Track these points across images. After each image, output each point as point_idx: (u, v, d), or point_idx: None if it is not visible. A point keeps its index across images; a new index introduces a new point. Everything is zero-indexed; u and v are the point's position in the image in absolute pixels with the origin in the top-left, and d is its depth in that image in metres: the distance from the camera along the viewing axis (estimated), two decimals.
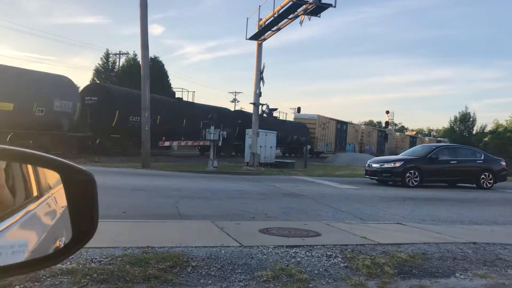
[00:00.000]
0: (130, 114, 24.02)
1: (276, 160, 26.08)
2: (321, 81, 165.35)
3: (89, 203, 1.05)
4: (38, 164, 1.13)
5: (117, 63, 45.36)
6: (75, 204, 1.05)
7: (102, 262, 4.07)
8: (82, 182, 1.05)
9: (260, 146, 23.44)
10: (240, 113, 35.46)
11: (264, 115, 23.00)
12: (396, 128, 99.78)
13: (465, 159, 16.83)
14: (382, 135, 52.95)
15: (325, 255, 4.82)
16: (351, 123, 52.84)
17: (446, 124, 69.83)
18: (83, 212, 1.05)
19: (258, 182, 14.42)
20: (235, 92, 71.82)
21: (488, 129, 60.84)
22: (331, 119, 45.07)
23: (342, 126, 46.74)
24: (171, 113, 27.41)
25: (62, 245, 1.08)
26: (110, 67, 44.08)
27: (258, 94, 21.62)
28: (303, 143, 37.18)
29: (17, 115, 17.69)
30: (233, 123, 31.29)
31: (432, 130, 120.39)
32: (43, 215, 1.18)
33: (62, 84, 21.29)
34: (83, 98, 22.83)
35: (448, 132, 65.83)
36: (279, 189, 12.45)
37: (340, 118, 48.07)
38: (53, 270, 3.67)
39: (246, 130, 25.07)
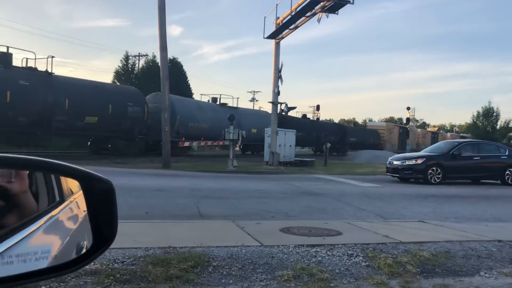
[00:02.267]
0: (189, 119, 26.62)
1: (296, 158, 26.01)
2: (340, 78, 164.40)
3: (108, 211, 1.07)
4: (58, 173, 1.16)
5: (137, 65, 45.89)
6: (95, 211, 1.08)
7: (125, 262, 4.13)
8: (102, 190, 1.08)
9: (280, 145, 23.41)
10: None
11: (283, 113, 22.94)
12: (418, 124, 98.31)
13: (488, 154, 16.50)
14: (436, 137, 57.43)
15: (346, 254, 4.79)
16: (410, 128, 58.57)
17: (468, 120, 68.44)
18: (103, 219, 1.07)
19: (277, 181, 14.41)
20: (254, 91, 71.72)
21: None
22: (395, 125, 53.98)
23: (403, 130, 53.68)
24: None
25: (84, 251, 1.10)
26: (129, 68, 44.56)
27: (276, 93, 21.61)
28: (376, 145, 47.09)
29: (99, 124, 19.91)
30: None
31: (455, 126, 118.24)
32: (66, 220, 1.20)
33: (132, 93, 24.63)
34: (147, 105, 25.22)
35: (471, 128, 64.51)
36: (299, 188, 12.42)
37: (401, 124, 58.42)
38: (78, 271, 3.74)
39: (265, 129, 25.08)
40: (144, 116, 24.21)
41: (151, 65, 42.43)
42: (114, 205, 1.08)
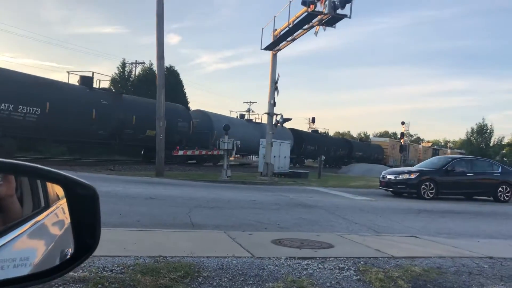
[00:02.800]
0: (221, 133, 29.36)
1: (290, 170, 26.02)
2: (336, 91, 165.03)
3: (91, 217, 1.05)
4: (41, 178, 1.14)
5: (133, 72, 45.89)
6: (78, 218, 1.05)
7: (114, 270, 4.08)
8: (85, 196, 1.06)
9: (274, 156, 23.41)
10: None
11: (278, 125, 23.00)
12: (412, 139, 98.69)
13: (482, 171, 16.57)
14: (436, 153, 58.64)
15: (337, 267, 4.76)
16: (412, 144, 64.98)
17: (463, 136, 68.99)
18: (86, 225, 1.05)
19: (271, 192, 14.38)
20: (250, 102, 71.85)
21: (506, 141, 59.93)
22: (397, 142, 55.18)
23: (402, 147, 56.54)
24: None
25: (67, 258, 1.08)
26: (126, 76, 44.53)
27: (272, 104, 21.66)
28: (379, 160, 49.71)
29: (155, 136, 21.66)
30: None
31: (449, 142, 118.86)
32: (51, 225, 1.18)
33: (180, 110, 28.84)
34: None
35: (465, 144, 64.99)
36: (292, 200, 12.39)
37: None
38: (65, 278, 3.69)
39: (260, 139, 25.10)
40: (190, 130, 28.19)
41: (147, 73, 42.42)
42: (97, 212, 1.06)
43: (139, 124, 24.19)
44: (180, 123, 27.33)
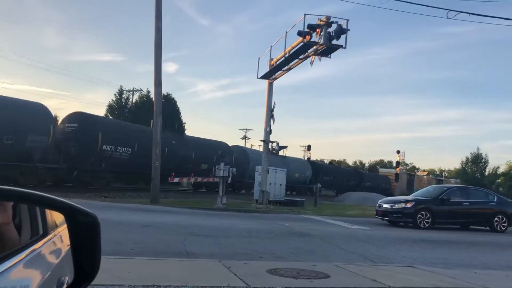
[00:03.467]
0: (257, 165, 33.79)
1: (286, 198, 25.90)
2: (332, 119, 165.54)
3: (92, 245, 1.05)
4: (43, 205, 1.14)
5: (131, 99, 46.14)
6: (78, 245, 1.05)
7: None
8: (86, 224, 1.06)
9: (270, 184, 23.35)
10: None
11: (273, 152, 23.02)
12: (407, 168, 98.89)
13: (477, 201, 16.55)
14: (440, 183, 58.88)
15: None
16: (417, 174, 68.64)
17: (457, 165, 69.24)
18: (86, 253, 1.05)
19: (267, 221, 14.28)
20: (246, 129, 72.10)
21: (501, 170, 60.09)
22: (404, 173, 59.62)
23: (410, 177, 60.71)
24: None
25: (65, 286, 1.07)
26: (123, 103, 44.74)
27: (268, 132, 21.74)
28: (387, 189, 49.88)
29: (207, 170, 25.12)
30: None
31: (444, 171, 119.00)
32: (48, 253, 1.17)
33: (224, 146, 33.45)
34: None
35: (460, 173, 65.11)
36: (288, 228, 12.30)
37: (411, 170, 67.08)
38: None
39: (256, 167, 25.07)
40: (232, 163, 29.81)
41: (145, 100, 42.64)
42: (98, 240, 1.06)
43: (197, 159, 29.40)
44: (225, 158, 28.09)
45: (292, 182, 35.53)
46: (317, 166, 44.41)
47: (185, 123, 42.55)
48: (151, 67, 19.05)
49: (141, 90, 45.86)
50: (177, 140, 28.78)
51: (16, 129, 18.63)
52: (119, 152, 24.12)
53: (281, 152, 42.78)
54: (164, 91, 33.57)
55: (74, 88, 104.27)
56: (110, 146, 23.56)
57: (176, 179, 24.75)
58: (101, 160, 23.22)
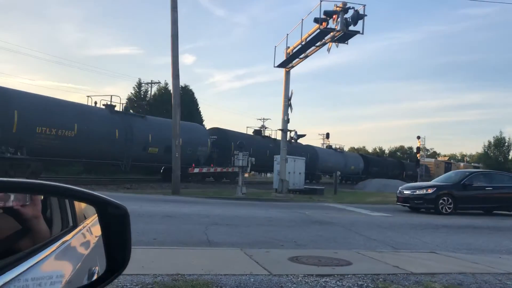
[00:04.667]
0: (325, 161, 42.19)
1: (305, 186, 25.91)
2: (350, 106, 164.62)
3: (122, 236, 1.09)
4: (74, 198, 1.18)
5: (149, 92, 46.51)
6: (109, 237, 1.09)
7: None
8: (117, 216, 1.09)
9: (289, 173, 23.37)
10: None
11: (292, 140, 23.00)
12: (428, 153, 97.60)
13: (501, 185, 16.27)
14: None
15: (356, 284, 4.71)
16: (453, 162, 71.75)
17: (480, 150, 68.08)
18: (117, 244, 1.09)
19: (287, 209, 14.32)
20: (264, 119, 72.05)
21: None
22: (441, 161, 64.99)
23: (448, 165, 64.00)
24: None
25: (96, 276, 1.11)
26: (142, 96, 45.16)
27: (286, 121, 21.71)
28: (427, 177, 50.11)
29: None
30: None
31: (466, 156, 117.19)
32: (78, 245, 1.22)
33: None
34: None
35: (482, 158, 63.98)
36: (309, 216, 12.32)
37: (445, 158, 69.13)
38: None
39: (275, 156, 25.11)
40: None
41: (163, 93, 42.98)
42: (128, 231, 1.10)
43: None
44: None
45: (348, 173, 45.32)
46: (368, 159, 52.23)
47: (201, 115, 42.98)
48: (168, 59, 19.13)
49: (159, 82, 46.19)
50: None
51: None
52: (47, 134, 19.19)
53: (271, 136, 43.85)
54: (182, 83, 33.85)
55: (93, 82, 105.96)
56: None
57: (196, 170, 24.96)
58: (19, 144, 18.27)
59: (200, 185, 25.71)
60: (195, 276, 4.64)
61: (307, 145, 42.86)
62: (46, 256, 1.06)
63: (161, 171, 29.49)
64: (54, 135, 19.45)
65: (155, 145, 25.08)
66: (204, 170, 27.42)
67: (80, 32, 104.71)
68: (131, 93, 45.17)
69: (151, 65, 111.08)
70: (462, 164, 72.54)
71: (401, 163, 60.09)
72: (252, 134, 38.38)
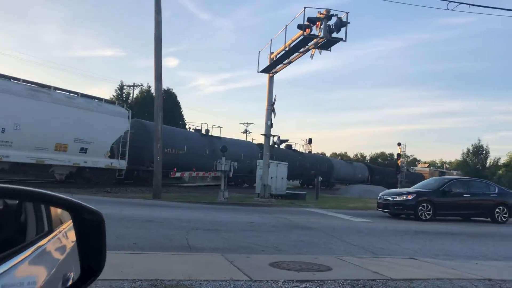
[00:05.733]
0: (340, 170, 49.18)
1: (287, 191, 25.95)
2: (333, 112, 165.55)
3: (97, 242, 1.07)
4: (49, 203, 1.16)
5: (131, 95, 46.16)
6: (84, 242, 1.07)
7: None
8: (92, 221, 1.08)
9: (271, 177, 23.38)
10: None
11: (275, 145, 23.05)
12: (408, 160, 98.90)
13: (478, 192, 16.57)
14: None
15: None
16: (447, 171, 73.87)
17: (459, 157, 69.31)
18: (92, 249, 1.07)
19: (268, 214, 14.32)
20: (247, 123, 72.15)
21: (502, 161, 60.05)
22: (435, 170, 67.83)
23: (442, 174, 64.56)
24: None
25: (71, 282, 1.09)
26: (124, 98, 44.79)
27: (269, 126, 21.74)
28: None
29: None
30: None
31: (445, 163, 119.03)
32: (53, 250, 1.19)
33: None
34: None
35: (461, 165, 65.11)
36: (290, 222, 12.34)
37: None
38: None
39: (257, 161, 25.12)
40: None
41: (145, 95, 42.73)
42: (103, 237, 1.08)
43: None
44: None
45: (356, 181, 50.12)
46: (372, 169, 58.71)
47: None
48: (152, 62, 19.00)
49: (142, 85, 45.94)
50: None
51: (243, 156, 31.11)
52: (170, 153, 25.05)
53: (255, 140, 44.67)
54: (165, 85, 33.94)
55: (76, 84, 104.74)
56: (164, 149, 22.62)
57: (178, 174, 24.78)
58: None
59: (182, 189, 25.54)
60: (175, 281, 4.60)
61: (325, 156, 52.82)
62: (19, 261, 1.03)
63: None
64: (174, 153, 26.51)
65: (230, 158, 26.59)
66: (186, 174, 27.27)
67: (63, 33, 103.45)
68: (113, 95, 44.77)
69: (134, 68, 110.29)
70: (455, 172, 73.66)
71: (399, 171, 65.21)
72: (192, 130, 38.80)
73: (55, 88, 20.08)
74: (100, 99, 22.65)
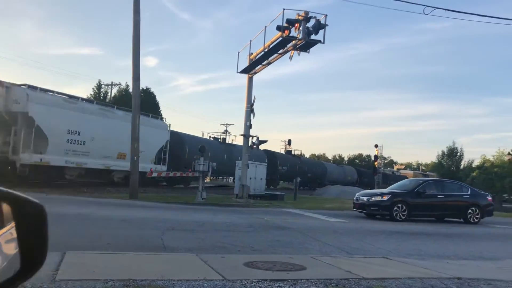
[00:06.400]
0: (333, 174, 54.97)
1: (266, 192, 26.01)
2: (312, 114, 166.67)
3: (39, 235, 1.06)
4: None
5: (109, 94, 45.59)
6: (25, 235, 1.06)
7: None
8: (32, 213, 1.07)
9: (250, 178, 23.40)
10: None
11: (254, 146, 23.06)
12: (385, 162, 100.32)
13: (452, 193, 16.90)
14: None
15: None
16: (430, 174, 74.79)
17: (434, 159, 70.50)
18: (33, 242, 1.06)
19: (246, 215, 14.33)
20: (226, 124, 72.04)
21: (475, 164, 61.32)
22: (419, 173, 71.62)
23: (426, 177, 69.61)
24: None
25: (12, 275, 1.08)
26: (102, 97, 44.20)
27: (248, 126, 21.76)
28: None
29: None
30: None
31: (421, 165, 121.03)
32: (4, 244, 1.18)
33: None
34: None
35: (436, 167, 66.17)
36: (267, 222, 12.38)
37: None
38: None
39: (236, 161, 25.11)
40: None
41: (123, 94, 42.22)
42: (45, 230, 1.07)
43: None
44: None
45: (346, 183, 52.18)
46: (360, 172, 63.96)
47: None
48: (130, 61, 18.78)
49: (120, 84, 45.45)
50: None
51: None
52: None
53: (234, 141, 45.27)
54: (143, 85, 33.70)
55: (52, 82, 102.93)
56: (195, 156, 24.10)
57: (155, 174, 24.61)
58: (187, 166, 25.56)
59: (160, 190, 25.35)
60: (147, 281, 4.57)
61: (319, 161, 58.21)
62: None
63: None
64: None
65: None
66: (163, 174, 27.06)
67: (39, 31, 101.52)
68: (91, 94, 44.15)
69: (112, 67, 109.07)
70: (412, 173, 75.83)
71: (386, 175, 68.91)
72: (211, 139, 39.38)
73: (117, 108, 24.86)
74: (147, 115, 25.66)
